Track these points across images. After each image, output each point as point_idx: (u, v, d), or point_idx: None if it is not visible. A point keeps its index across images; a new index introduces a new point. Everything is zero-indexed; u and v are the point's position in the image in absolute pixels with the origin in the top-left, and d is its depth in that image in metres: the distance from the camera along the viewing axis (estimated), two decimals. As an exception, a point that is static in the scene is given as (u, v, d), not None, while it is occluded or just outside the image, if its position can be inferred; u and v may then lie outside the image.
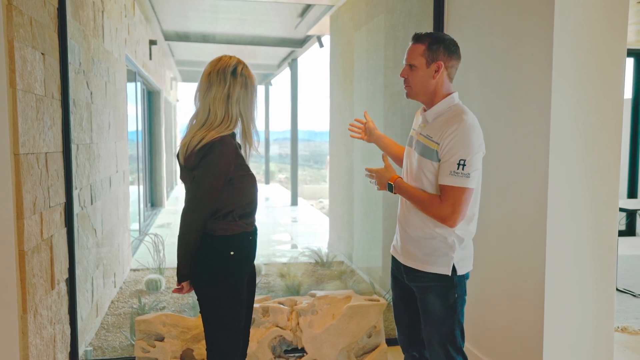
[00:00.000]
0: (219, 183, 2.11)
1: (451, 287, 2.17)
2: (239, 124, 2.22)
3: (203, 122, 2.15)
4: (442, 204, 2.06)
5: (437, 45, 2.13)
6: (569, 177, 2.62)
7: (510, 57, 2.87)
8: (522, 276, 2.82)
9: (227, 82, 2.16)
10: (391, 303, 2.54)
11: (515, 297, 2.89)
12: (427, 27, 3.66)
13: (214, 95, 2.15)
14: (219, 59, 2.21)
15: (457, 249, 2.15)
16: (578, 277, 2.68)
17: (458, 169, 2.03)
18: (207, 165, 2.09)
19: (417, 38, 2.17)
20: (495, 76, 3.02)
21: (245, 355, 2.47)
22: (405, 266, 2.26)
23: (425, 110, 2.24)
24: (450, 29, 3.49)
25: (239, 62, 2.22)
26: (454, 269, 2.15)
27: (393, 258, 2.40)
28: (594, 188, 2.65)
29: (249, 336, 2.48)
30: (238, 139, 2.26)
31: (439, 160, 2.09)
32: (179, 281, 2.23)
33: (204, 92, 2.18)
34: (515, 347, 2.89)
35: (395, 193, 2.25)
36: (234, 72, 2.17)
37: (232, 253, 2.20)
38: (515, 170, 2.85)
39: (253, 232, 2.32)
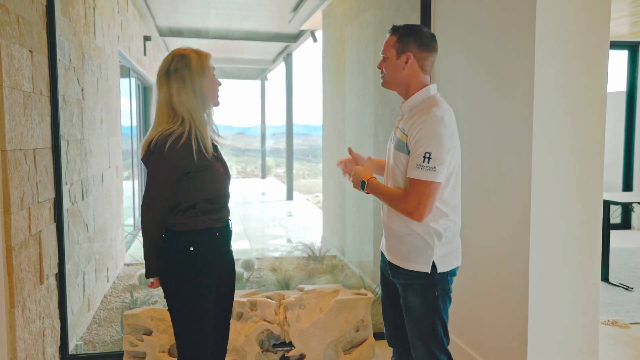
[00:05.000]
0: (167, 177, 2.10)
1: (431, 285, 2.14)
2: (190, 119, 2.14)
3: (154, 123, 2.16)
4: (408, 197, 2.04)
5: (407, 38, 2.13)
6: (553, 171, 2.63)
7: (495, 48, 2.89)
8: (507, 269, 2.84)
9: (164, 85, 2.15)
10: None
11: (500, 290, 2.91)
12: (415, 21, 3.67)
13: (159, 100, 2.16)
14: (163, 59, 2.17)
15: (436, 246, 2.11)
16: (562, 270, 2.70)
17: (424, 162, 1.99)
18: (155, 160, 2.09)
19: (392, 30, 2.18)
20: (480, 68, 3.04)
21: (225, 351, 2.44)
22: (390, 263, 2.26)
23: (402, 103, 2.25)
24: (437, 23, 3.51)
25: (174, 55, 2.16)
26: (434, 267, 2.12)
27: (382, 254, 2.39)
28: (578, 181, 2.67)
29: (227, 333, 2.44)
30: (195, 134, 2.16)
31: (409, 153, 2.07)
32: (146, 276, 2.24)
33: (155, 96, 2.18)
34: (501, 340, 2.93)
35: (367, 192, 2.22)
36: (167, 73, 2.14)
37: (191, 249, 2.17)
38: (498, 163, 2.87)
39: (222, 229, 2.26)
